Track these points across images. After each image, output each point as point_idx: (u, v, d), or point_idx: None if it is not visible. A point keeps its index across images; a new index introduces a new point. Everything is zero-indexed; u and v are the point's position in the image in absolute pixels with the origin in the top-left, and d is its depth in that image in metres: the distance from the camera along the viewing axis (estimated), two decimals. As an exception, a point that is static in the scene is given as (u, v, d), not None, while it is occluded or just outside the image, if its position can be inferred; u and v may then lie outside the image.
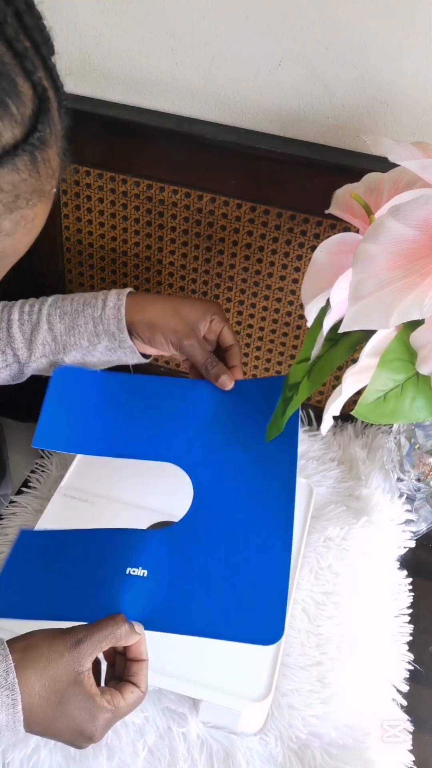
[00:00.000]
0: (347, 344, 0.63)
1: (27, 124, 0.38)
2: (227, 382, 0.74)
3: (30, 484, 0.88)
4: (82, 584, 0.64)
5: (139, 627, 0.59)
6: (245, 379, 0.76)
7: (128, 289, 0.74)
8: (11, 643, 0.56)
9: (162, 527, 0.74)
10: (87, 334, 0.73)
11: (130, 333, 0.73)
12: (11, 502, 0.86)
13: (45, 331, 0.73)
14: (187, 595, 0.62)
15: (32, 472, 0.90)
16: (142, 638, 0.59)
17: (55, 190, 0.42)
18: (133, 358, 0.75)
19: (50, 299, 0.75)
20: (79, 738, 0.56)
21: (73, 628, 0.57)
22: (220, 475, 0.70)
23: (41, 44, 0.39)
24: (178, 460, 0.71)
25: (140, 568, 0.63)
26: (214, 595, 0.62)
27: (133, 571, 0.63)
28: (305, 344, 0.67)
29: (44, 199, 0.41)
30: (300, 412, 0.74)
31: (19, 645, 0.56)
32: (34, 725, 0.54)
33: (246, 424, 0.73)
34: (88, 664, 0.56)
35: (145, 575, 0.63)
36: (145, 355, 0.75)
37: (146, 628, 0.59)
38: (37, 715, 0.54)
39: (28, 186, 0.39)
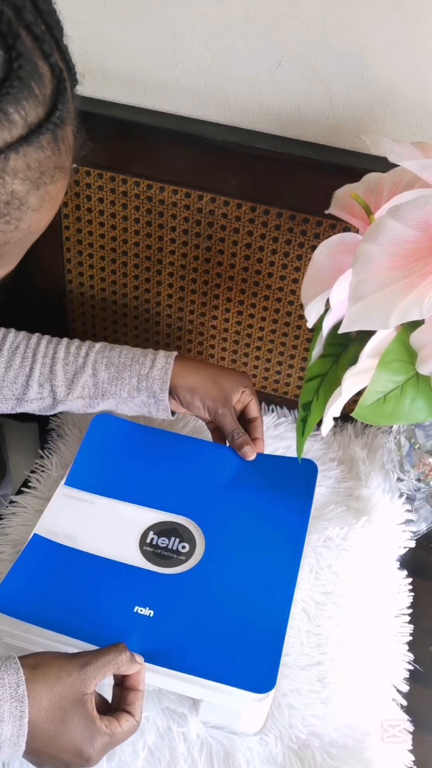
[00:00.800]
0: (348, 360, 0.63)
1: (48, 104, 0.40)
2: (249, 453, 0.80)
3: (30, 484, 0.88)
4: (89, 609, 0.67)
5: (139, 657, 0.61)
6: (267, 454, 0.83)
7: (174, 353, 0.79)
8: (22, 659, 0.57)
9: (161, 527, 0.75)
10: (128, 388, 0.78)
11: (170, 394, 0.78)
12: (11, 502, 0.86)
13: (88, 375, 0.77)
14: (188, 638, 0.66)
15: (32, 472, 0.90)
16: (142, 669, 0.61)
17: (75, 165, 0.45)
18: (163, 415, 0.80)
19: (98, 346, 0.79)
20: (76, 759, 0.57)
21: (79, 652, 0.60)
22: (232, 532, 0.75)
23: (54, 27, 0.41)
24: (195, 516, 0.76)
25: (147, 608, 0.67)
26: (214, 641, 0.65)
27: (140, 610, 0.67)
28: (311, 365, 0.67)
29: (65, 176, 0.44)
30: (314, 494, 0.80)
31: (29, 661, 0.57)
32: (36, 741, 0.55)
33: (260, 492, 0.79)
34: (92, 687, 0.57)
35: (151, 615, 0.67)
36: (171, 413, 0.80)
37: (146, 661, 0.62)
38: (40, 730, 0.55)
39: (51, 162, 0.41)
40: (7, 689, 0.54)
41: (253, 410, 0.82)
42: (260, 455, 0.81)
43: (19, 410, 0.80)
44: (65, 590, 0.69)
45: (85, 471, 0.80)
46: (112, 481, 0.79)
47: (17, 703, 0.54)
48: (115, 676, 0.61)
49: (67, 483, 0.79)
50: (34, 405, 0.79)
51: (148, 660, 0.62)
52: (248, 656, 0.64)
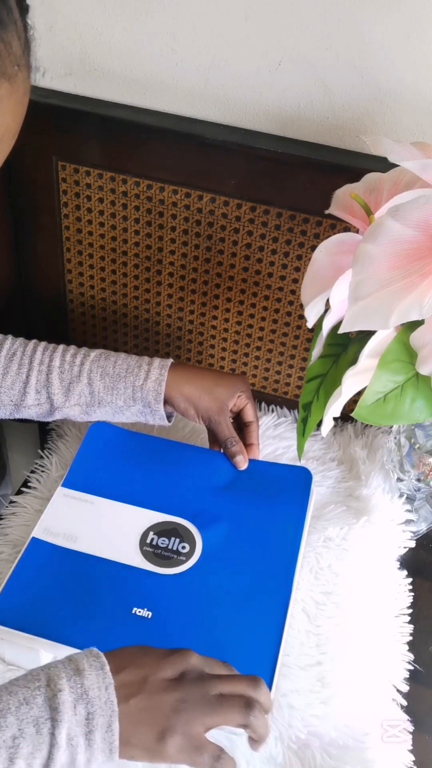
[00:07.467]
0: (348, 360, 0.63)
1: None
2: (241, 463, 0.81)
3: (30, 484, 0.88)
4: (88, 613, 0.67)
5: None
6: (262, 460, 0.83)
7: (170, 361, 0.79)
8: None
9: (161, 528, 0.75)
10: (124, 397, 0.78)
11: (165, 402, 0.79)
12: (11, 502, 0.86)
13: (84, 384, 0.78)
14: (185, 640, 0.66)
15: (32, 472, 0.90)
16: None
17: (21, 75, 0.45)
18: (159, 422, 0.81)
19: (93, 355, 0.79)
20: (178, 659, 0.56)
21: None
22: (228, 537, 0.75)
23: None
24: (192, 519, 0.77)
25: (146, 609, 0.67)
26: (210, 643, 0.65)
27: (139, 612, 0.68)
28: (311, 365, 0.67)
29: (7, 81, 0.44)
30: (310, 498, 0.81)
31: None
32: (120, 664, 0.54)
33: (256, 498, 0.79)
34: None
35: (149, 617, 0.67)
36: (168, 417, 0.81)
37: None
38: (122, 655, 0.55)
39: None
40: (85, 655, 0.54)
41: (249, 415, 0.82)
42: (256, 461, 0.82)
43: (17, 416, 0.81)
44: (64, 596, 0.69)
45: (83, 474, 0.81)
46: (110, 483, 0.80)
47: (93, 659, 0.53)
48: None
49: (64, 485, 0.79)
50: (32, 411, 0.80)
51: None
52: (244, 659, 0.64)
